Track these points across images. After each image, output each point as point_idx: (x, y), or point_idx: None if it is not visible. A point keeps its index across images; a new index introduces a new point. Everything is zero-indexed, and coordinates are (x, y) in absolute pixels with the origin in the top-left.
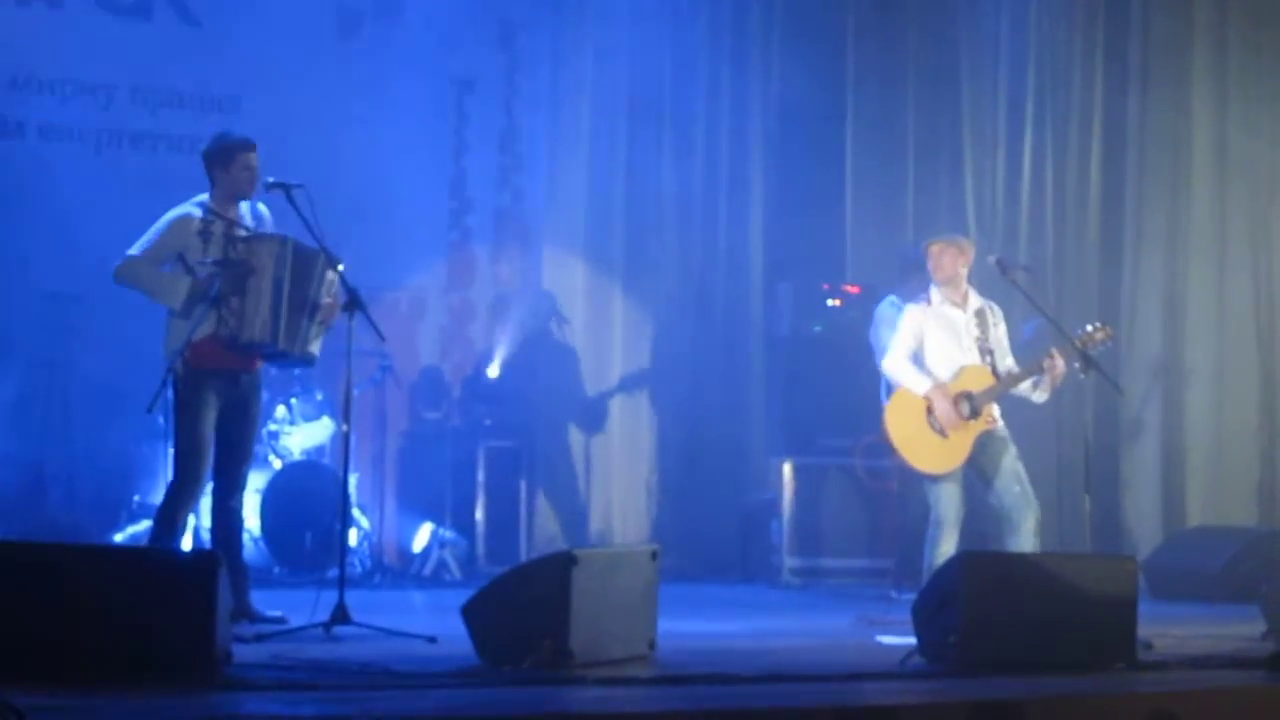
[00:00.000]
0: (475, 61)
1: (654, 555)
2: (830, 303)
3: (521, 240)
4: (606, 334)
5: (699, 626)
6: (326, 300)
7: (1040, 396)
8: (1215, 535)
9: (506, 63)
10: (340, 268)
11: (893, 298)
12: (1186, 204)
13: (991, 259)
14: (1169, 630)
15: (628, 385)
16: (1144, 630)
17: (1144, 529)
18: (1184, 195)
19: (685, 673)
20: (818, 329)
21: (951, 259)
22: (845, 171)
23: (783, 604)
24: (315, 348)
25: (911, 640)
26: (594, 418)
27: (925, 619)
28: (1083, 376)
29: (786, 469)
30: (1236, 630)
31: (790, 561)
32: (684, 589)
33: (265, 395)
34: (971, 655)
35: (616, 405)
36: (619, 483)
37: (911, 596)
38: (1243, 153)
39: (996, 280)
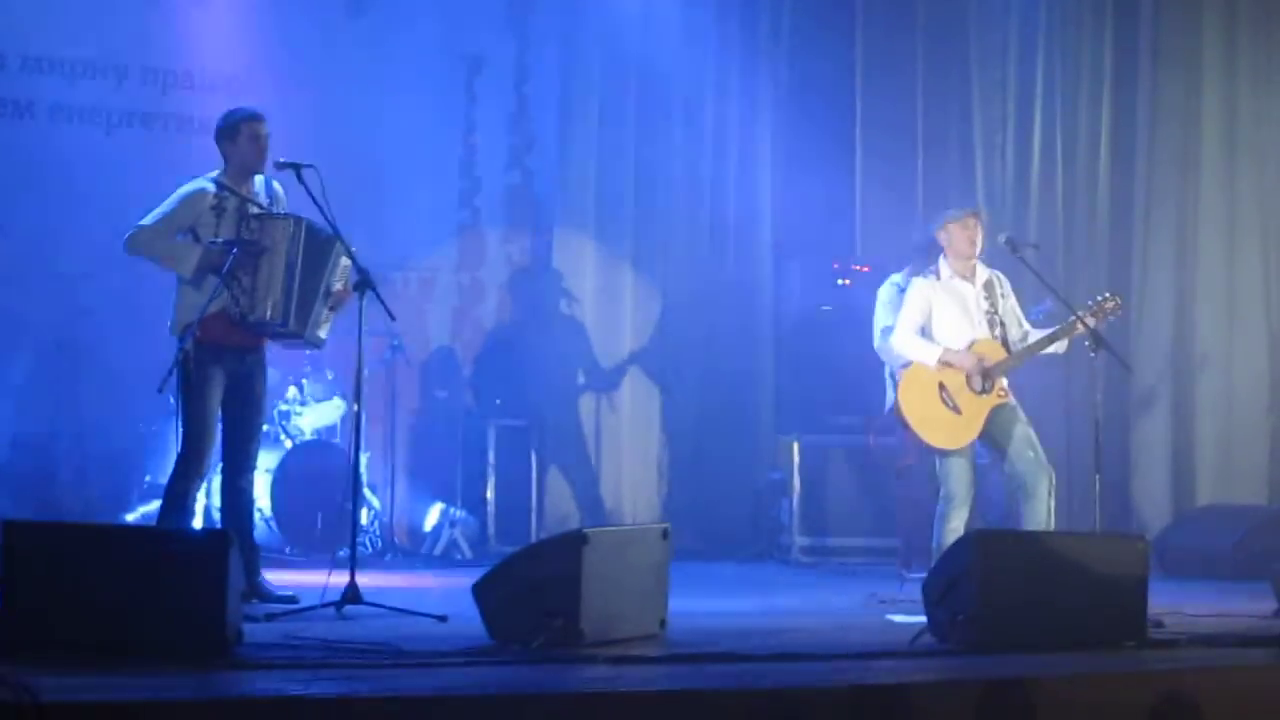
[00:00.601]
0: (484, 41)
1: (665, 534)
2: (840, 282)
3: (531, 220)
4: (616, 314)
5: (710, 605)
6: (339, 286)
7: (1060, 348)
8: (1226, 514)
9: (516, 42)
10: (353, 252)
11: (896, 278)
12: (1195, 183)
13: (1001, 237)
14: (1180, 609)
15: (638, 365)
16: (1154, 609)
17: (1154, 508)
18: (1193, 175)
19: (696, 651)
20: (827, 308)
21: (971, 234)
22: (854, 151)
23: (793, 582)
24: (324, 332)
25: (922, 619)
26: (604, 397)
27: (936, 598)
28: (1093, 355)
29: (796, 448)
30: (1247, 608)
31: (800, 540)
32: (695, 567)
33: (275, 375)
34: (982, 634)
35: (627, 384)
36: (629, 461)
37: (922, 575)
38: (1252, 133)
39: (1006, 258)
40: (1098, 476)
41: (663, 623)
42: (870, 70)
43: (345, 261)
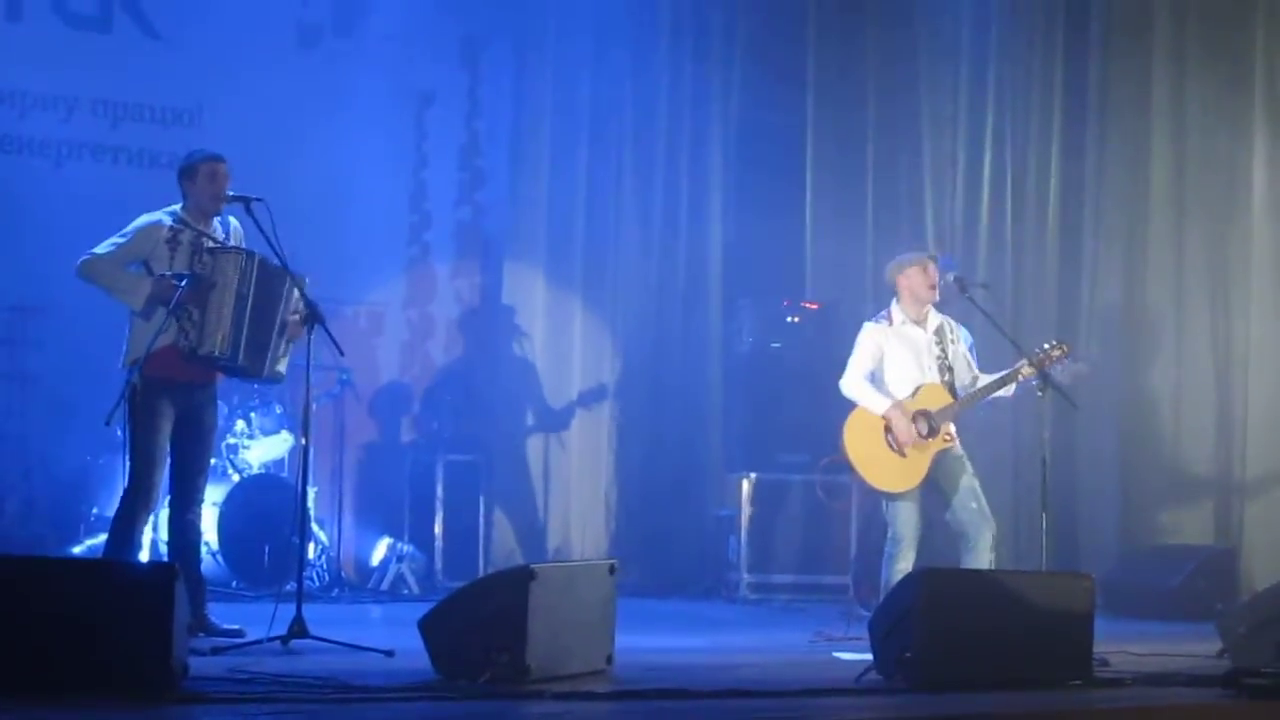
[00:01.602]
0: (436, 76)
1: (612, 570)
2: (789, 319)
3: (481, 255)
4: (566, 349)
5: (657, 641)
6: (293, 317)
7: (1006, 391)
8: (1171, 553)
9: (467, 78)
10: (305, 283)
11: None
12: (1144, 218)
13: (950, 276)
14: (1125, 647)
15: (587, 400)
16: (1100, 647)
17: (1100, 546)
18: (1142, 211)
19: (643, 688)
20: (776, 345)
21: (931, 277)
22: (805, 188)
23: (740, 619)
24: (283, 366)
25: (868, 656)
26: (553, 432)
27: (882, 635)
28: (1040, 395)
29: (745, 485)
30: (1192, 648)
31: (748, 577)
32: (642, 604)
33: (224, 409)
34: (928, 671)
35: (576, 420)
36: (578, 497)
37: (869, 613)
38: (1200, 174)
39: (955, 298)
40: (1045, 515)
41: (610, 659)
42: (820, 109)
43: (295, 294)
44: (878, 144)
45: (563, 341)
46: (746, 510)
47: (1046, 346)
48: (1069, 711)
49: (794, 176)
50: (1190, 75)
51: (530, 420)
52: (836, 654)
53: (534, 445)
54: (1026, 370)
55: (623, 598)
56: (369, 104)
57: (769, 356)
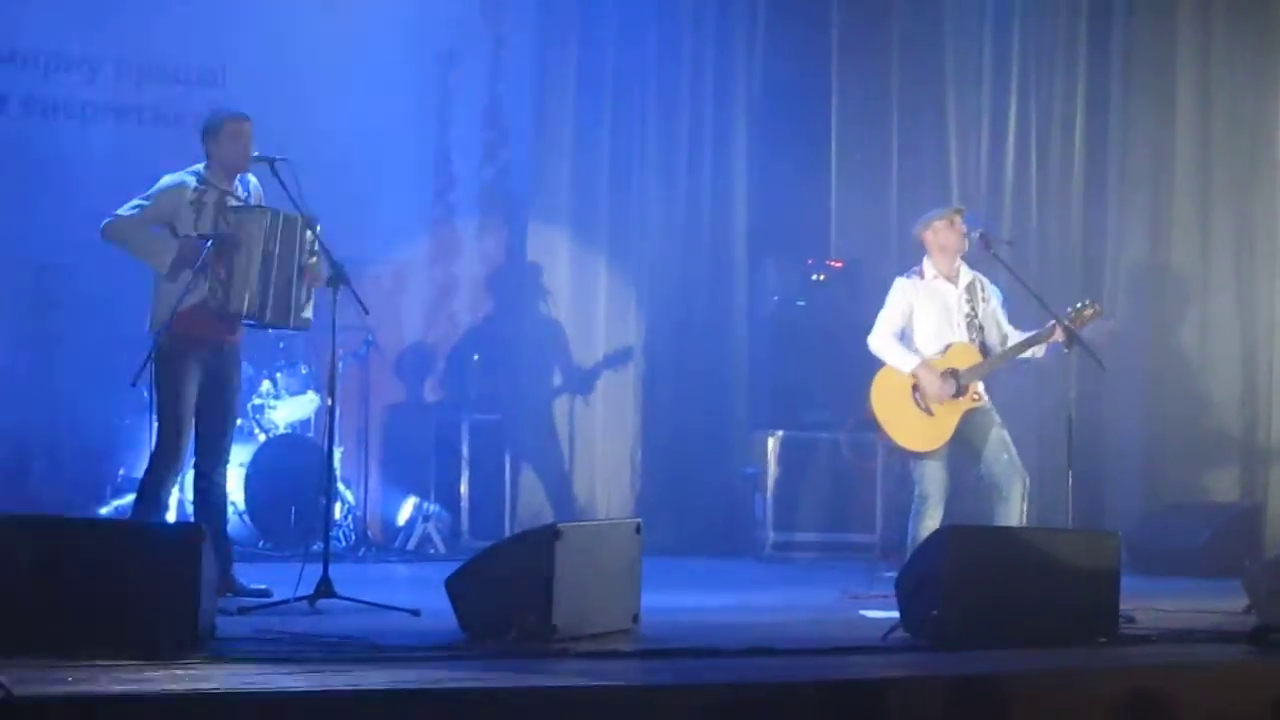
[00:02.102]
0: (459, 36)
1: (638, 529)
2: (814, 278)
3: (505, 215)
4: (591, 309)
5: (683, 600)
6: (310, 260)
7: (1037, 351)
8: (1198, 510)
9: (490, 37)
10: (318, 228)
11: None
12: (1169, 176)
13: (975, 233)
14: (1151, 605)
15: (612, 359)
16: (1126, 605)
17: (1126, 504)
18: (1166, 168)
19: (669, 646)
20: (801, 304)
21: (959, 230)
22: (830, 146)
23: (766, 578)
24: (309, 313)
25: (895, 615)
26: (578, 391)
27: (908, 593)
28: (1066, 352)
29: (771, 443)
30: (1218, 605)
31: (774, 535)
32: (668, 563)
33: (249, 369)
34: (954, 630)
35: (601, 379)
36: (603, 456)
37: (895, 571)
38: (1226, 135)
39: (980, 255)
40: (1070, 473)
41: (635, 617)
42: (845, 66)
43: (310, 236)
44: (902, 102)
45: (588, 300)
46: (772, 468)
47: (1079, 305)
48: (1096, 670)
49: (819, 134)
50: (1217, 33)
51: (556, 380)
52: (863, 612)
53: (559, 405)
54: (1057, 332)
55: (648, 556)
56: (393, 64)
57: (794, 315)
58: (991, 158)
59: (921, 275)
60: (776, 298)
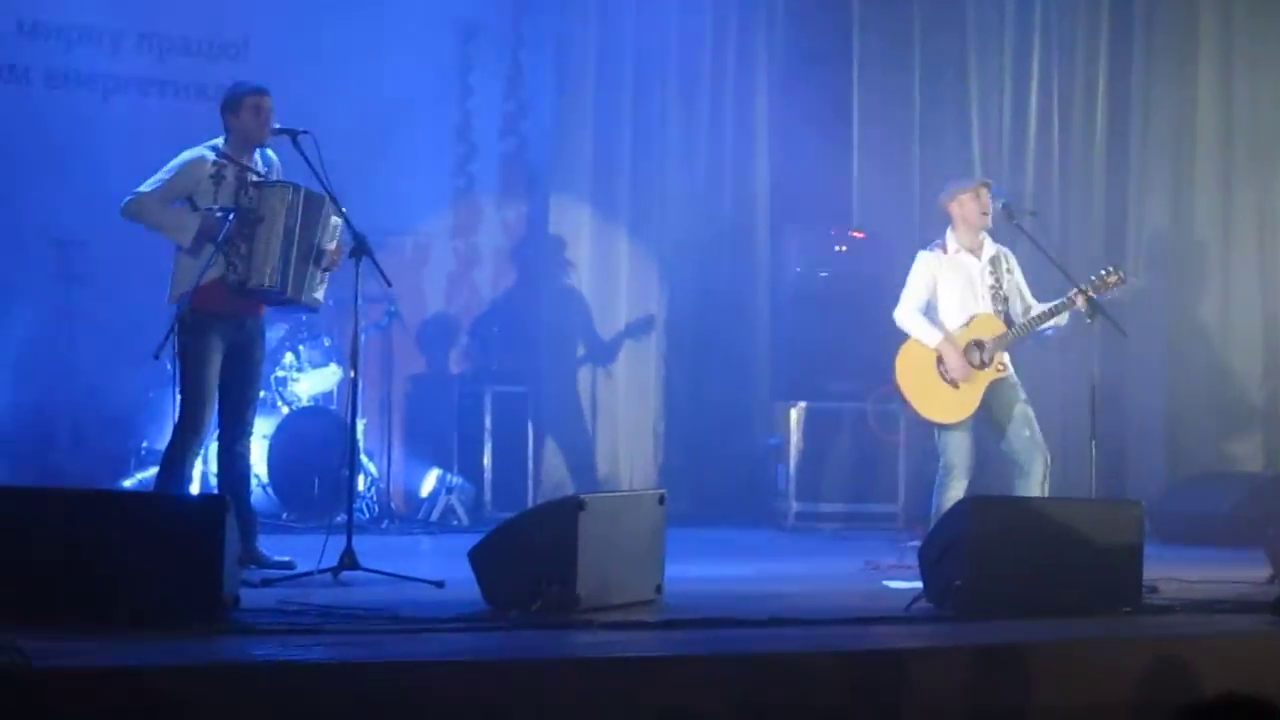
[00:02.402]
0: (480, 6)
1: (661, 499)
2: (836, 249)
3: (527, 186)
4: (613, 279)
5: (705, 571)
6: (330, 245)
7: (1060, 320)
8: (1221, 480)
9: (512, 7)
10: (344, 212)
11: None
12: (1191, 146)
13: (997, 204)
14: (1174, 575)
15: (634, 330)
16: (1149, 575)
17: (1149, 474)
18: (1188, 137)
19: (692, 617)
20: (824, 274)
21: (984, 203)
22: (851, 116)
23: (789, 548)
24: (320, 294)
25: (918, 585)
26: (601, 362)
27: (931, 564)
28: (1089, 322)
29: (793, 414)
30: (1242, 574)
31: (796, 506)
32: (690, 533)
33: (272, 341)
34: (977, 600)
35: (623, 350)
36: (626, 427)
37: (918, 541)
38: (1248, 106)
39: (1003, 225)
40: (1094, 443)
41: (659, 588)
42: (866, 35)
43: (335, 220)
44: (924, 72)
45: (609, 271)
46: (795, 439)
47: (1102, 273)
48: (1119, 640)
49: (840, 104)
50: (1239, 2)
51: (578, 350)
52: (886, 583)
53: (582, 375)
54: (1080, 300)
55: (671, 527)
56: (413, 36)
57: (816, 285)
58: (1014, 128)
59: (944, 249)
60: (798, 268)
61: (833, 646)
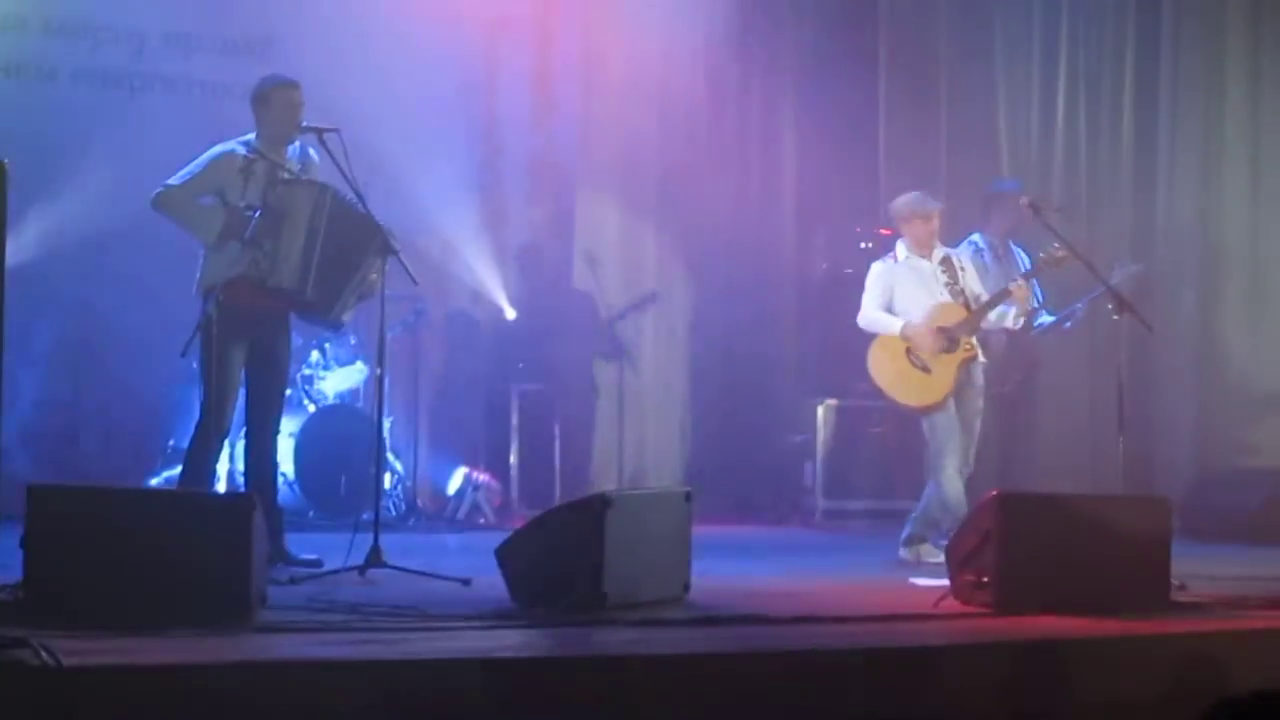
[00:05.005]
0: (507, 4)
1: (687, 497)
2: (863, 245)
3: (554, 184)
4: (639, 277)
5: (733, 568)
6: (373, 277)
7: (1014, 321)
8: (1249, 476)
9: (538, 5)
10: (396, 245)
11: (975, 237)
12: (1219, 139)
13: (1024, 201)
14: (1203, 571)
15: (661, 328)
16: (1178, 571)
17: (1177, 470)
18: (1216, 131)
19: (719, 614)
20: (850, 271)
21: (931, 228)
22: (878, 113)
23: (816, 545)
24: (347, 316)
25: (945, 582)
26: (628, 361)
27: (959, 561)
28: (1116, 318)
29: (820, 411)
30: (1271, 571)
31: (823, 503)
32: (717, 531)
33: (298, 340)
34: (1005, 597)
35: (650, 348)
36: (652, 425)
37: (945, 539)
38: (1276, 98)
39: (1029, 223)
40: (1122, 439)
41: (686, 586)
42: (893, 33)
43: (384, 248)
44: (950, 69)
45: (635, 269)
46: (822, 436)
47: (1043, 255)
48: (1147, 636)
49: (867, 101)
50: (1266, 3)
51: (605, 348)
52: (913, 580)
53: (609, 374)
54: (1016, 289)
55: (698, 524)
56: (440, 31)
57: (843, 282)
58: (1041, 127)
59: (895, 258)
60: (825, 265)
61: (860, 644)
